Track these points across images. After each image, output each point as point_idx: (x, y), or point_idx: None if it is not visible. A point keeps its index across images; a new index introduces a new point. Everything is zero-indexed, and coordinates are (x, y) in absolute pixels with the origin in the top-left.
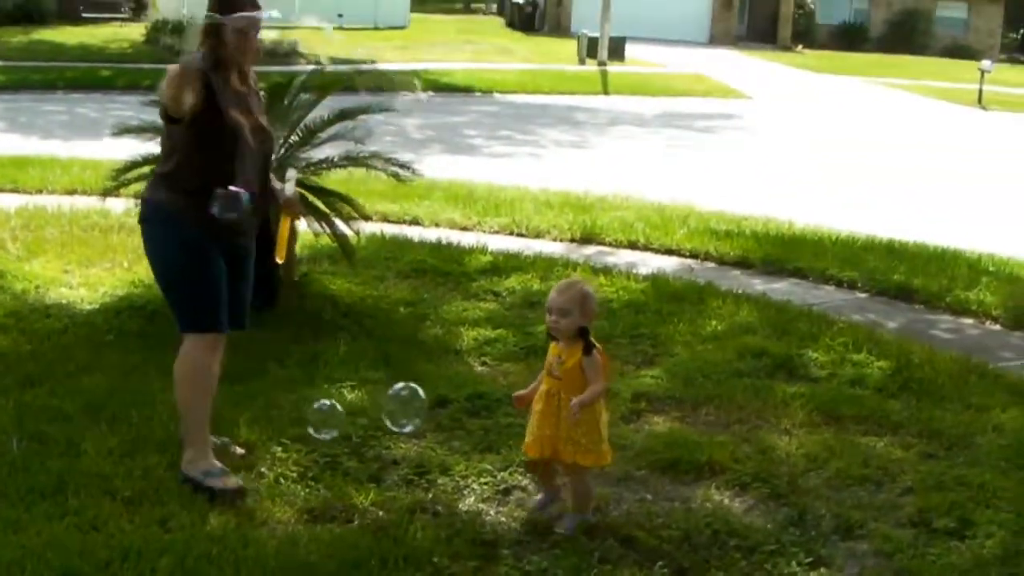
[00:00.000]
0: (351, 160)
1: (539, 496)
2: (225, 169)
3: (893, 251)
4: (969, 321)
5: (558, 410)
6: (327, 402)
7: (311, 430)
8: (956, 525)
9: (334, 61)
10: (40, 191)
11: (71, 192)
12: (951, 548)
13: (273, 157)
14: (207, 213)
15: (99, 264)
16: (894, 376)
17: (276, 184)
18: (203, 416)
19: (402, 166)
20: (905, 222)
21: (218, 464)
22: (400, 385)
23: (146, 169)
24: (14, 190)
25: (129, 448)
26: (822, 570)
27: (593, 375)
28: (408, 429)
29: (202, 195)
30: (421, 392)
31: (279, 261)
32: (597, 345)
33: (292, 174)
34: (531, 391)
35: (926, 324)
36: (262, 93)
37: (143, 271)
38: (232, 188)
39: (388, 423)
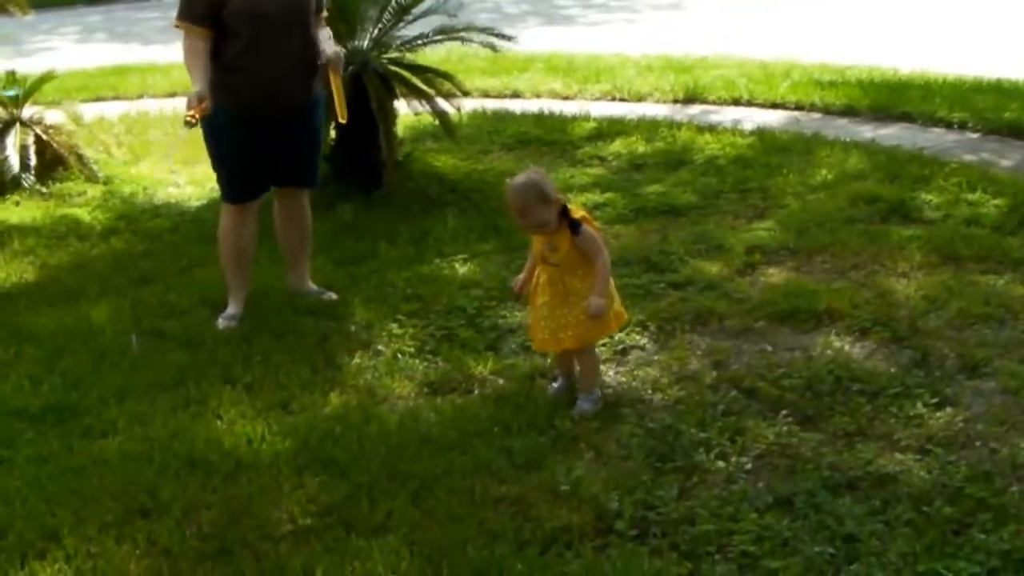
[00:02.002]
0: (446, 33)
1: (556, 383)
2: (242, 51)
3: (1003, 90)
4: None
5: (566, 296)
6: None
7: None
8: None
9: None
10: (141, 96)
11: (171, 95)
12: None
13: (367, 39)
14: (229, 93)
15: (204, 162)
16: (1011, 213)
17: (325, 45)
18: (230, 272)
19: (498, 36)
20: (1014, 62)
21: (230, 310)
22: None
23: None
24: (116, 98)
25: (246, 336)
26: (948, 410)
27: (592, 249)
28: None
29: (225, 77)
30: None
31: (341, 121)
32: (581, 216)
33: (325, 34)
34: (527, 277)
35: None
36: None
37: None
38: None
39: None
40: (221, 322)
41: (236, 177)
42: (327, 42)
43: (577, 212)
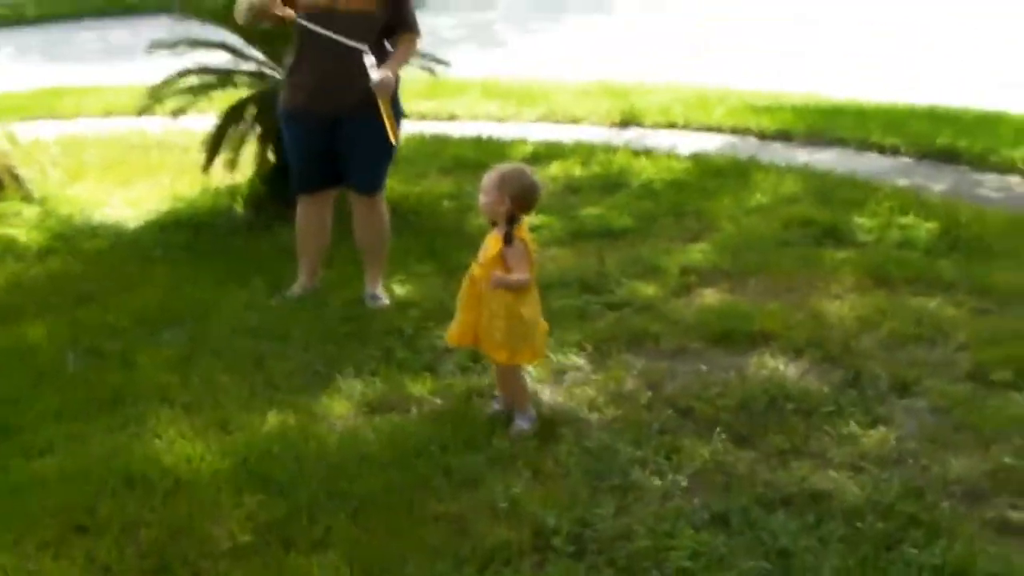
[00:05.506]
0: None
1: (496, 404)
2: (296, 57)
3: (936, 116)
4: (1016, 179)
5: (479, 299)
6: None
7: None
8: (1013, 377)
9: None
10: (77, 117)
11: (107, 115)
12: (1009, 400)
13: None
14: (286, 93)
15: (141, 183)
16: (942, 236)
17: (371, 72)
18: (303, 253)
19: (436, 61)
20: (948, 92)
21: (297, 289)
22: None
23: (181, 84)
24: (52, 118)
25: (184, 356)
26: (881, 428)
27: (515, 265)
28: None
29: (288, 80)
30: None
31: (393, 143)
32: (522, 236)
33: (370, 61)
34: None
35: (972, 184)
36: None
37: (185, 186)
38: None
39: None
40: (291, 292)
41: (292, 168)
42: (378, 67)
43: (523, 232)
